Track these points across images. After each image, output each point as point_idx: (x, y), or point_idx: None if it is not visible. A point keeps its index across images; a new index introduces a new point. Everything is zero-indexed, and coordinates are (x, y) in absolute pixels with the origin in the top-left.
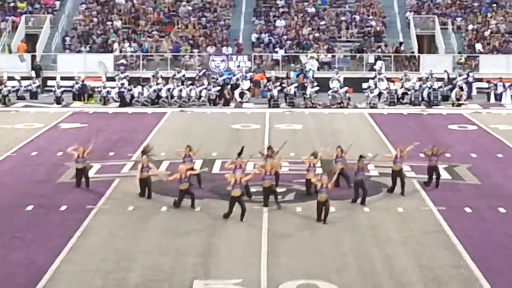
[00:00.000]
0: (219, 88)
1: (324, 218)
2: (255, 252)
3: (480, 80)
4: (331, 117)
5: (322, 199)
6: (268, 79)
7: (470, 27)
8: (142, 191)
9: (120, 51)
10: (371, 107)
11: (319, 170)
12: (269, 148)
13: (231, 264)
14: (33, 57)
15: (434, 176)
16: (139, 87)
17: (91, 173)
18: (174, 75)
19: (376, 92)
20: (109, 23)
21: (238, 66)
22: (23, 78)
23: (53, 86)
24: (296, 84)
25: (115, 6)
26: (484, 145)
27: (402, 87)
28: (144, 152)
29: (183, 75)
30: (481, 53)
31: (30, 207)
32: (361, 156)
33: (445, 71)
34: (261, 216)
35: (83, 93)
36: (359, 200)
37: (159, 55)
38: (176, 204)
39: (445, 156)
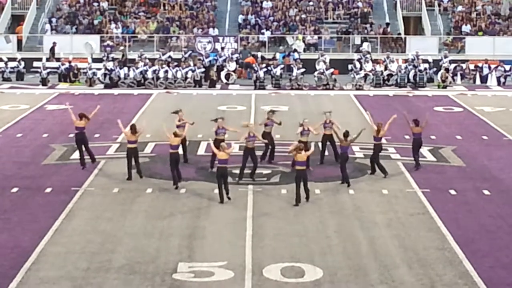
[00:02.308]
0: (204, 69)
1: (305, 189)
2: (240, 234)
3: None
4: (317, 99)
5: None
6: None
7: (457, 8)
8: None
9: (107, 32)
10: (357, 89)
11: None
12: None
13: (216, 246)
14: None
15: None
16: (125, 69)
17: (75, 155)
18: (160, 56)
19: (362, 73)
20: (95, 4)
21: (222, 48)
22: (9, 60)
23: (39, 68)
24: (282, 66)
25: None
26: (469, 127)
27: (386, 69)
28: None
29: (169, 56)
30: (467, 34)
31: (15, 189)
32: (345, 135)
33: (426, 60)
34: (246, 198)
35: (69, 75)
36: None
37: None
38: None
39: (430, 138)
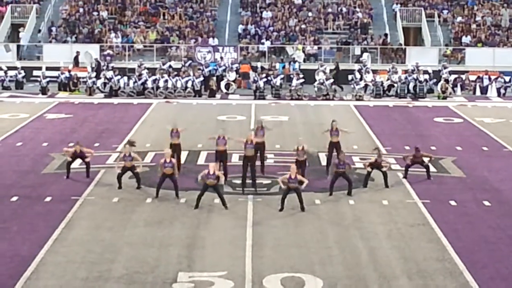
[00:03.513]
0: (203, 78)
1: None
2: (240, 244)
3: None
4: (316, 109)
5: (292, 187)
6: (254, 70)
7: (457, 19)
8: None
9: (106, 42)
10: (357, 99)
11: None
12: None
13: (216, 256)
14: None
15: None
16: (125, 78)
17: (75, 164)
18: (160, 66)
19: (362, 84)
20: (95, 13)
21: (222, 58)
22: (9, 68)
23: (39, 76)
24: (282, 76)
25: None
26: (469, 138)
27: (388, 79)
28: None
29: (170, 66)
30: (467, 45)
31: (15, 198)
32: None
33: (426, 71)
34: (246, 208)
35: (69, 84)
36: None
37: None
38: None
39: (430, 149)
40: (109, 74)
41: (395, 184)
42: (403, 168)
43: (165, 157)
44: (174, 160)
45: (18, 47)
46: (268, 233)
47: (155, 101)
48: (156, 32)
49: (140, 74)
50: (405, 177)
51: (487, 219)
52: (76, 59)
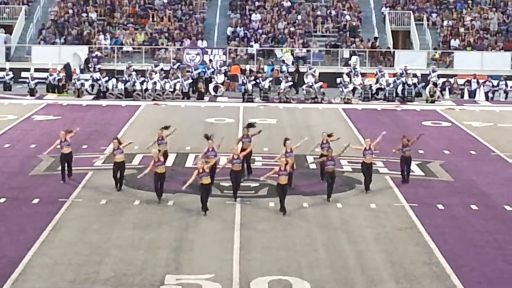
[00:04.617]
0: (191, 81)
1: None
2: (228, 247)
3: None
4: (305, 112)
5: (282, 181)
6: (243, 73)
7: (445, 23)
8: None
9: (95, 43)
10: (345, 103)
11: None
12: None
13: (204, 259)
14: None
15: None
16: (113, 80)
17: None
18: (151, 68)
19: (350, 87)
20: (84, 15)
21: (210, 60)
22: None
23: (27, 78)
24: (270, 79)
25: None
26: (457, 142)
27: (376, 82)
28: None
29: (161, 69)
30: (456, 49)
31: (2, 200)
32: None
33: (415, 74)
34: (234, 211)
35: (58, 85)
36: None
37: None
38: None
39: (418, 153)
40: (96, 75)
41: (383, 188)
42: (392, 172)
43: (154, 157)
44: (162, 159)
45: (7, 48)
46: (256, 236)
47: (143, 103)
48: (145, 34)
49: (130, 75)
50: (407, 181)
51: (474, 222)
52: (87, 62)
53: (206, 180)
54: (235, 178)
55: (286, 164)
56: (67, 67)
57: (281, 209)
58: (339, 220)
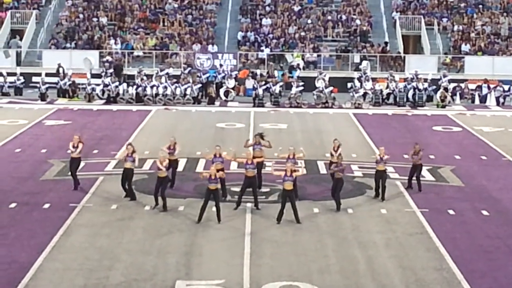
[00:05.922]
0: (200, 85)
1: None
2: (238, 252)
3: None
4: (315, 117)
5: (287, 187)
6: (253, 77)
7: (456, 27)
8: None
9: (106, 48)
10: (356, 107)
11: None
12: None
13: (214, 264)
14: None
15: (415, 177)
16: (124, 84)
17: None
18: (157, 72)
19: (361, 92)
20: (95, 19)
21: (221, 65)
22: (8, 74)
23: (38, 83)
24: (281, 83)
25: (101, 3)
26: (468, 147)
27: (387, 87)
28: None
29: (167, 73)
30: (466, 54)
31: (13, 205)
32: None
33: (426, 79)
34: (244, 216)
35: (68, 90)
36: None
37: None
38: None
39: (429, 158)
40: (107, 80)
41: (394, 193)
42: (402, 177)
43: (159, 161)
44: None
45: (18, 53)
46: (266, 241)
47: (154, 108)
48: (156, 38)
49: (142, 79)
50: (410, 187)
51: (485, 228)
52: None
53: (214, 186)
54: (249, 184)
55: (292, 171)
56: (61, 68)
57: (279, 215)
58: (349, 226)
